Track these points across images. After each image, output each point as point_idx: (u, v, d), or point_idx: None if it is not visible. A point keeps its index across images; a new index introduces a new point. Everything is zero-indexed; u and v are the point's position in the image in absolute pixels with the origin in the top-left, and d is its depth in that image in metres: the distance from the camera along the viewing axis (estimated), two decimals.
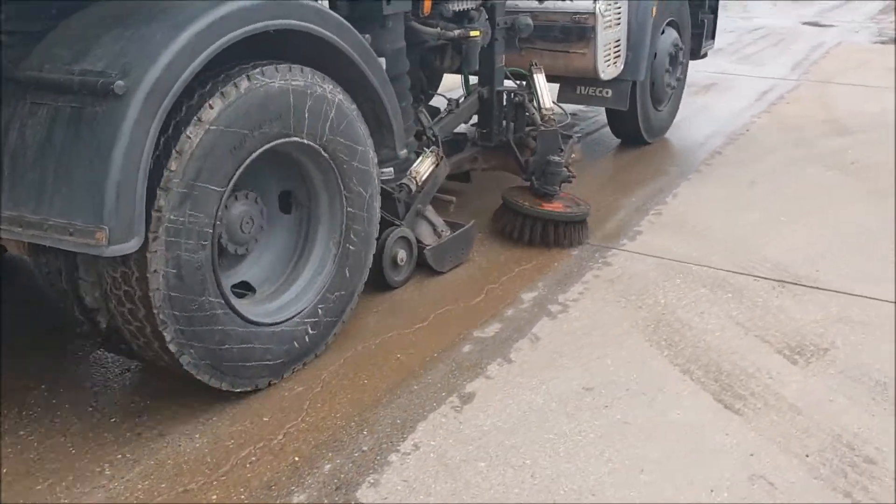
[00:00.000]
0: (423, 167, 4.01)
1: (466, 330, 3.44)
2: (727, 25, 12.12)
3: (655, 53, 5.89)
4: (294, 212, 3.17)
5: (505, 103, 4.70)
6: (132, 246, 2.28)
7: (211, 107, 2.46)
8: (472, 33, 4.23)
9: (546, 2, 5.14)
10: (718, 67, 9.00)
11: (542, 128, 4.53)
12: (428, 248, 3.95)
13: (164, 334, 2.49)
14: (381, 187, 3.82)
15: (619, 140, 6.30)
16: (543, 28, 5.17)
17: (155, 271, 2.41)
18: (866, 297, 3.71)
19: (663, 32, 5.95)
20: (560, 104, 5.09)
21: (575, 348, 3.28)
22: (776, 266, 4.07)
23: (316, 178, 3.06)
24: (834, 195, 5.13)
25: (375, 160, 3.28)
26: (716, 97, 7.88)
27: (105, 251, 2.23)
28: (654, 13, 5.54)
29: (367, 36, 3.23)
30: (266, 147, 2.70)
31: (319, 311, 3.12)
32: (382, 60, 3.69)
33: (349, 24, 3.01)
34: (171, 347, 2.53)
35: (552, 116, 4.67)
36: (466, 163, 4.92)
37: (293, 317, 3.02)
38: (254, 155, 2.66)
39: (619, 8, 5.28)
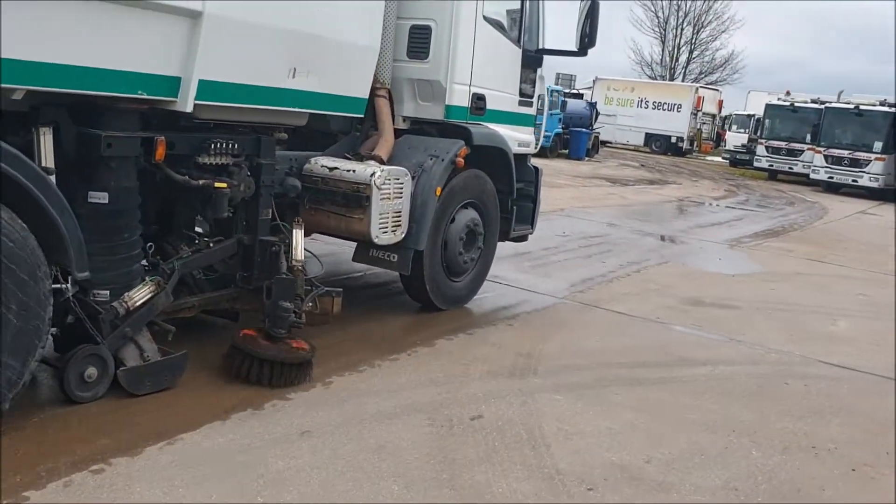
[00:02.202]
0: (139, 294, 4.37)
1: None
2: (572, 227, 12.22)
3: (447, 230, 6.47)
4: None
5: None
6: None
7: None
8: (218, 185, 4.73)
9: (335, 170, 5.74)
10: (493, 273, 7.45)
11: (281, 276, 4.95)
12: (122, 369, 4.23)
13: None
14: (93, 306, 4.21)
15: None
16: (330, 192, 5.74)
17: None
18: None
19: (457, 213, 6.56)
20: (315, 256, 5.52)
21: None
22: None
23: None
24: (376, 473, 3.78)
25: (42, 270, 3.63)
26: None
27: None
28: (438, 192, 6.13)
29: (53, 168, 3.69)
30: None
31: None
32: (105, 194, 4.20)
33: (24, 158, 3.48)
34: None
35: (300, 268, 5.10)
36: (226, 301, 5.32)
37: None
38: None
39: (401, 183, 5.86)
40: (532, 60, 7.33)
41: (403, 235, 5.98)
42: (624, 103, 41.54)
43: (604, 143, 39.23)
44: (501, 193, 7.14)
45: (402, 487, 3.70)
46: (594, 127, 31.43)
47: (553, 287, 8.17)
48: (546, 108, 8.02)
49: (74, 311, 4.09)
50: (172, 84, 4.20)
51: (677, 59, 56.70)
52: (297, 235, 5.22)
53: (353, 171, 5.70)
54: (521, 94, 7.34)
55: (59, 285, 3.91)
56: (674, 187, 22.31)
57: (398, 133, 6.46)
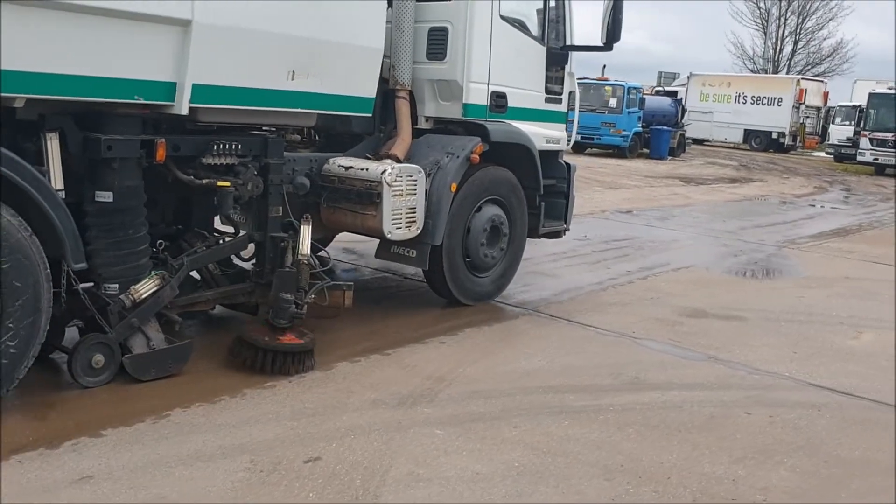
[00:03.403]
0: (145, 287, 4.68)
1: None
2: (601, 230, 11.42)
3: (469, 226, 6.57)
4: None
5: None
6: None
7: None
8: (221, 183, 5.01)
9: (350, 169, 5.95)
10: None
11: (283, 269, 5.18)
12: (127, 356, 4.55)
13: None
14: (103, 298, 4.57)
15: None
16: (346, 191, 5.96)
17: None
18: None
19: (479, 209, 6.64)
20: (324, 252, 5.70)
21: None
22: None
23: None
24: None
25: (39, 255, 3.99)
26: None
27: None
28: (453, 188, 6.24)
29: (42, 168, 4.04)
30: None
31: None
32: (109, 194, 4.53)
33: (14, 156, 3.82)
34: None
35: (305, 262, 5.32)
36: (242, 295, 5.61)
37: None
38: None
39: (414, 180, 6.00)
40: (558, 58, 7.33)
41: (419, 231, 6.11)
42: (720, 99, 40.25)
43: (700, 141, 38.18)
44: (529, 190, 7.17)
45: None
46: (683, 124, 30.62)
47: (527, 297, 7.33)
48: (574, 106, 7.88)
49: (84, 303, 4.45)
50: (168, 89, 4.49)
51: (781, 51, 54.50)
52: (305, 231, 5.41)
53: (366, 169, 5.89)
54: (548, 91, 7.35)
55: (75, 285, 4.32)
56: (755, 185, 21.37)
57: (422, 132, 6.64)
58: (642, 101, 27.54)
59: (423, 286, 7.02)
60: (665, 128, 28.31)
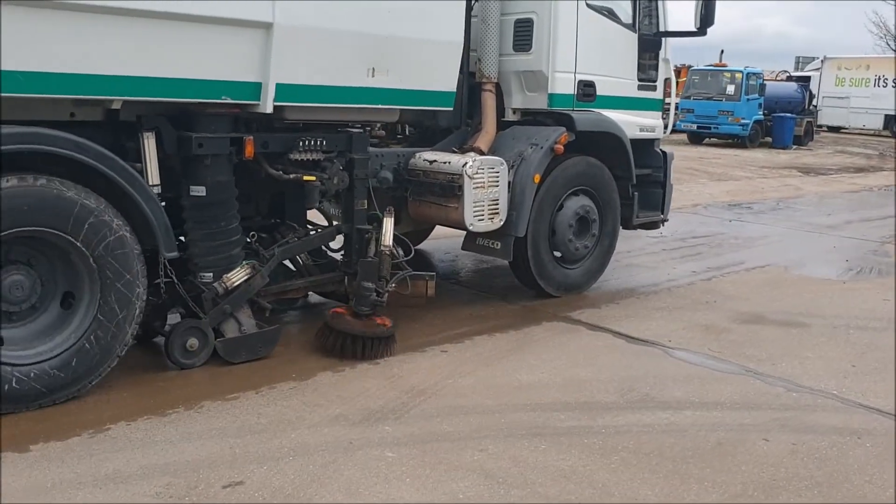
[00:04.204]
0: (236, 276, 4.98)
1: None
2: (685, 226, 10.67)
3: (556, 218, 6.56)
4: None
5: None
6: None
7: None
8: (306, 178, 5.26)
9: (434, 163, 6.10)
10: (497, 284, 7.12)
11: (366, 259, 5.38)
12: (219, 340, 4.87)
13: None
14: (199, 286, 4.91)
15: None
16: (430, 184, 6.09)
17: None
18: None
19: (567, 200, 6.62)
20: (407, 244, 5.81)
21: None
22: None
23: (73, 255, 4.15)
24: None
25: (134, 247, 4.31)
26: None
27: None
28: (537, 179, 6.26)
29: (139, 165, 4.38)
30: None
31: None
32: (202, 188, 4.86)
33: (109, 153, 4.17)
34: None
35: (387, 252, 5.49)
36: (331, 283, 5.87)
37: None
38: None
39: (496, 172, 6.06)
40: (651, 44, 7.21)
41: (502, 223, 6.17)
42: (858, 83, 37.58)
43: (836, 128, 36.02)
44: (621, 179, 7.09)
45: None
46: (811, 110, 28.99)
47: (562, 300, 6.71)
48: (666, 93, 7.66)
49: (178, 291, 4.80)
50: (253, 89, 4.76)
51: None
52: (387, 223, 5.61)
53: (449, 162, 6.00)
54: (641, 78, 7.24)
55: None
56: (883, 175, 19.73)
57: (508, 125, 6.70)
58: (763, 86, 26.16)
59: (458, 289, 7.05)
60: (788, 115, 26.85)
